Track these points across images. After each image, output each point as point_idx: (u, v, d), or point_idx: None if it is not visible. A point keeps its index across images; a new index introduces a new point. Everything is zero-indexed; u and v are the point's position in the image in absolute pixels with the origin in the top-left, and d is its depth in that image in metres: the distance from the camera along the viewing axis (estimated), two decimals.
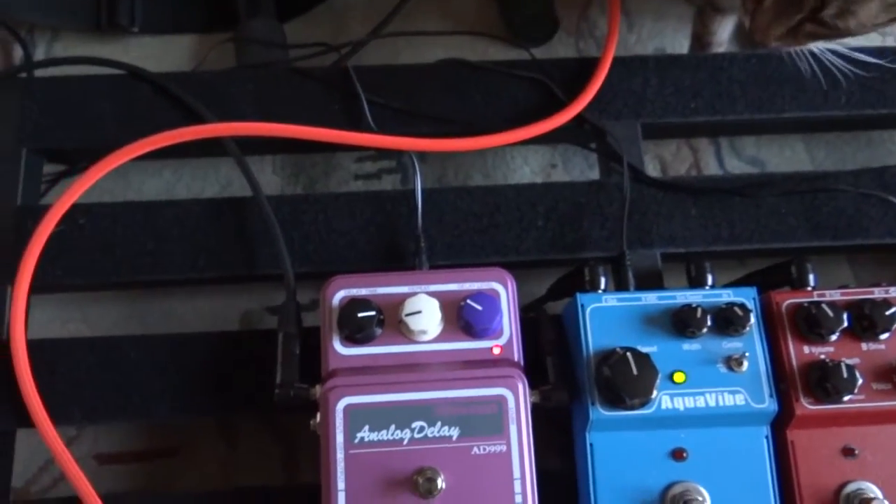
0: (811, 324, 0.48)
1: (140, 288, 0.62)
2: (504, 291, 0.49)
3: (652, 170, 0.69)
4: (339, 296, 0.48)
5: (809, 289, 0.51)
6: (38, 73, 0.63)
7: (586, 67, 0.62)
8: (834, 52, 0.56)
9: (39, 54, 0.73)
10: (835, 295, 0.50)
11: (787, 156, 0.69)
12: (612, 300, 0.50)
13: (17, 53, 0.73)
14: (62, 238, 0.56)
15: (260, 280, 0.57)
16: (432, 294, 0.48)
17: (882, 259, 0.63)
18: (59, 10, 0.72)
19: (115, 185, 0.66)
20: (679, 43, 0.75)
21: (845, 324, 0.48)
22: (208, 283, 0.58)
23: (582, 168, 0.69)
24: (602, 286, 0.51)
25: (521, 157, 0.69)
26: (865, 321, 0.48)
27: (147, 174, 0.67)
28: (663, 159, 0.70)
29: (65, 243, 0.56)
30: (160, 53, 0.73)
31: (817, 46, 0.55)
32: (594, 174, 0.67)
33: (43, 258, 0.54)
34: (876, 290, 0.50)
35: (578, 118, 0.60)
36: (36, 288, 0.53)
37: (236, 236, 0.57)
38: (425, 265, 0.54)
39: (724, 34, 0.67)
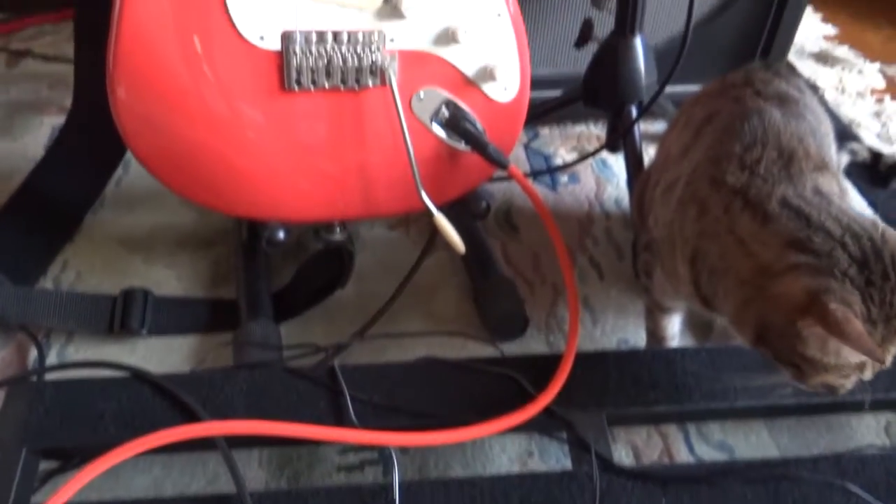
0: None
1: None
2: None
3: (625, 456, 0.71)
4: None
5: None
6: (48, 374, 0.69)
7: (552, 363, 0.68)
8: None
9: (53, 355, 0.79)
10: None
11: (752, 441, 0.72)
12: None
13: (33, 355, 0.79)
14: None
15: None
16: None
17: None
18: (76, 317, 0.79)
19: (104, 482, 0.68)
20: (640, 335, 0.82)
21: None
22: None
23: (558, 455, 0.72)
24: None
25: (500, 445, 0.72)
26: None
27: (137, 470, 0.69)
28: (635, 446, 0.73)
29: None
30: (164, 353, 0.79)
31: None
32: (569, 461, 0.70)
33: None
34: None
35: (548, 410, 0.65)
36: None
37: None
38: None
39: (673, 329, 0.75)
